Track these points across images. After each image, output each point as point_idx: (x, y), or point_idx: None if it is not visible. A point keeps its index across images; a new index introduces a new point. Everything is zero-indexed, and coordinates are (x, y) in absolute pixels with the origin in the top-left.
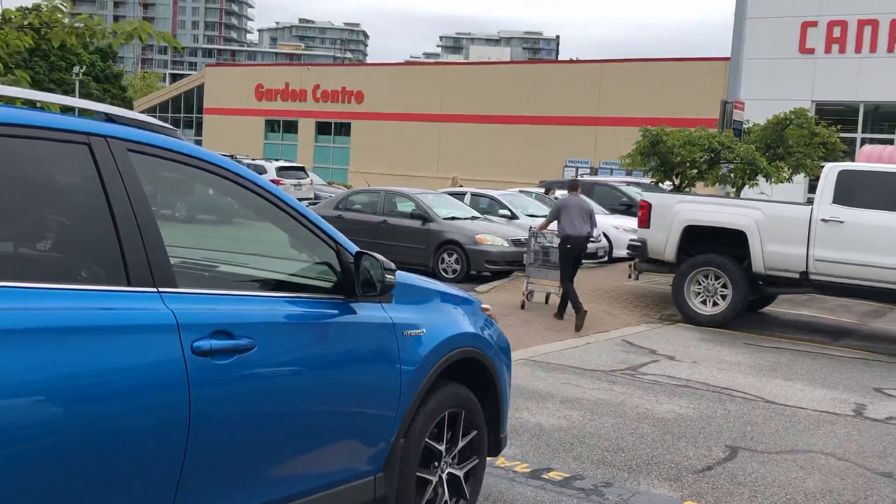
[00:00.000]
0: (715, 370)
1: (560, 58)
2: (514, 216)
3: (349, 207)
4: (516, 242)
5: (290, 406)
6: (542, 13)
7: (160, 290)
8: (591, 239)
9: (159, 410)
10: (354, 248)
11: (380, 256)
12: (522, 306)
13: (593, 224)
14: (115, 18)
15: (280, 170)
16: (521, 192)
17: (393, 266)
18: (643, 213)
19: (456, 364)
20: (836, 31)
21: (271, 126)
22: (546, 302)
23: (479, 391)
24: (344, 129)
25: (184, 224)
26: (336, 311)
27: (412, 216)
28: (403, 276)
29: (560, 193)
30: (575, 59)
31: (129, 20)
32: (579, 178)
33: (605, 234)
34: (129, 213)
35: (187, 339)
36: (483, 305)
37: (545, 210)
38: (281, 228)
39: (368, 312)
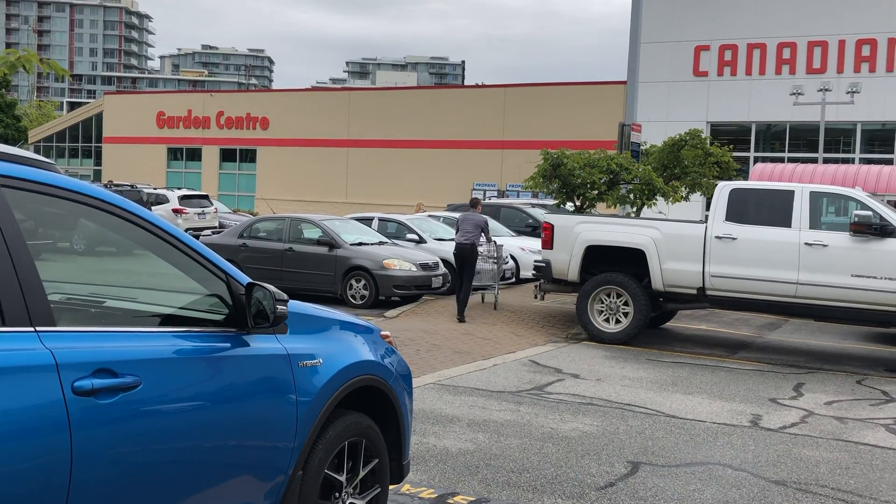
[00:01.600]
0: (618, 387)
1: (466, 82)
2: (422, 240)
3: (254, 235)
4: (424, 267)
5: (180, 443)
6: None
7: (38, 329)
8: (492, 255)
9: (38, 454)
10: (245, 279)
11: (271, 287)
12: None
13: (487, 236)
14: (8, 45)
15: (183, 198)
16: (429, 216)
17: (285, 297)
18: (546, 234)
19: (356, 393)
20: (728, 55)
21: (174, 154)
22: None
23: (380, 419)
24: (249, 156)
25: (79, 258)
26: (227, 345)
27: (319, 243)
28: (298, 306)
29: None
30: (480, 83)
31: (14, 49)
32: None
33: (511, 256)
34: (2, 250)
35: (67, 378)
36: (383, 332)
37: (454, 234)
38: (168, 261)
39: (261, 344)
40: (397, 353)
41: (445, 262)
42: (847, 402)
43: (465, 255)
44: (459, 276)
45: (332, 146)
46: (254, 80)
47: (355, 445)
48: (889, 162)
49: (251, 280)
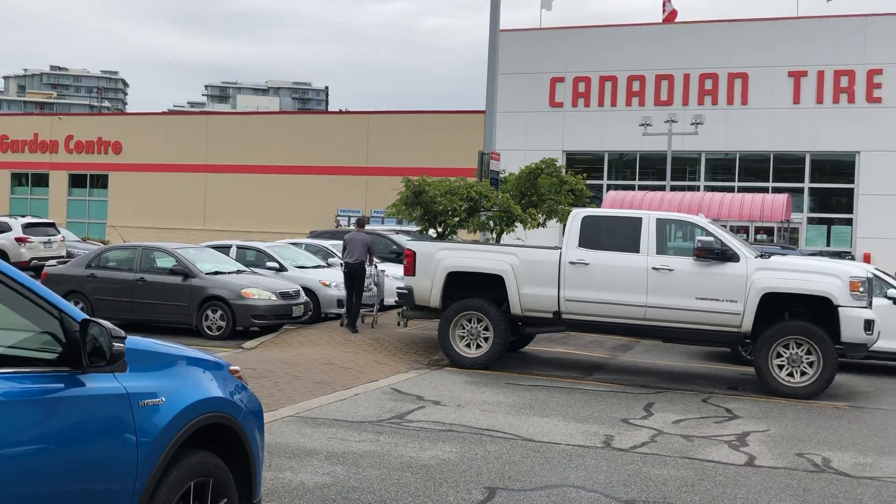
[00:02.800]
0: (478, 412)
1: (329, 108)
2: (282, 268)
3: (103, 265)
4: (285, 295)
5: (10, 490)
6: (311, 64)
7: None
8: (375, 269)
9: None
10: (81, 316)
11: (107, 323)
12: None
13: (371, 257)
14: None
15: (27, 226)
16: (291, 243)
17: (122, 333)
18: (408, 261)
19: (203, 430)
20: (582, 87)
21: (18, 180)
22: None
23: (229, 457)
24: (101, 182)
25: None
26: (60, 385)
27: (172, 272)
28: (139, 343)
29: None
30: (344, 109)
31: None
32: (352, 226)
33: (375, 283)
34: None
35: None
36: (232, 367)
37: (317, 261)
38: None
39: (98, 384)
40: (248, 389)
41: (307, 290)
42: (694, 421)
43: (356, 273)
44: (349, 294)
45: (190, 171)
46: (107, 103)
47: (202, 486)
48: (731, 190)
49: (86, 316)
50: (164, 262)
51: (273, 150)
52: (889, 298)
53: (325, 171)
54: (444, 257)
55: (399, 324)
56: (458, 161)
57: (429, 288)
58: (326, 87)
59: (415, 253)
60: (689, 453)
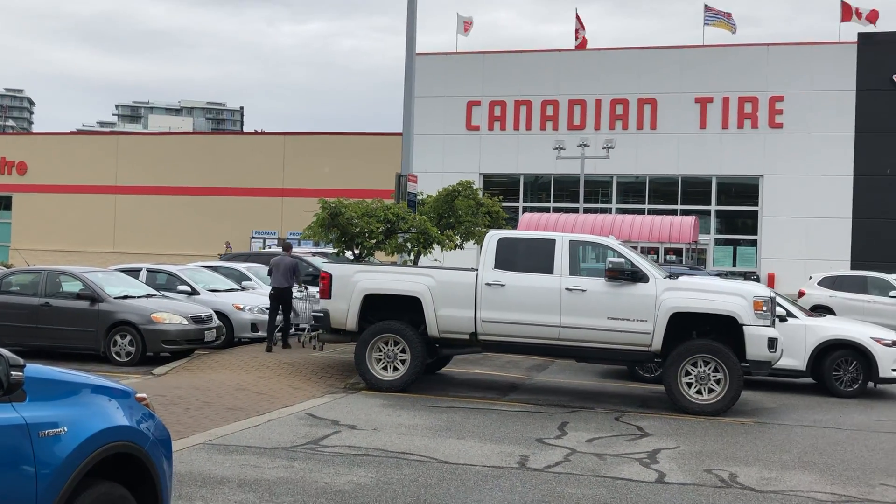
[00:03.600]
0: (394, 435)
1: (245, 129)
2: (194, 292)
3: (5, 290)
4: (197, 320)
5: None
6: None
7: None
8: (299, 290)
9: None
10: None
11: (5, 352)
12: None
13: (297, 279)
14: None
15: None
16: (203, 266)
17: (21, 361)
18: (324, 283)
19: (109, 460)
20: (497, 111)
21: None
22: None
23: (136, 487)
24: (4, 203)
25: None
26: None
27: (79, 297)
28: (40, 371)
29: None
30: (259, 130)
31: None
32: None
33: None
34: None
35: None
36: (139, 395)
37: (230, 284)
38: None
39: None
40: (155, 417)
41: (220, 314)
42: (606, 439)
43: (284, 297)
44: (272, 317)
45: (99, 192)
46: (11, 122)
47: None
48: (641, 212)
49: None
50: (71, 287)
51: (186, 171)
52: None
53: (239, 192)
54: (360, 280)
55: (315, 347)
56: (376, 183)
57: (345, 311)
58: (241, 108)
59: (331, 275)
60: (602, 472)
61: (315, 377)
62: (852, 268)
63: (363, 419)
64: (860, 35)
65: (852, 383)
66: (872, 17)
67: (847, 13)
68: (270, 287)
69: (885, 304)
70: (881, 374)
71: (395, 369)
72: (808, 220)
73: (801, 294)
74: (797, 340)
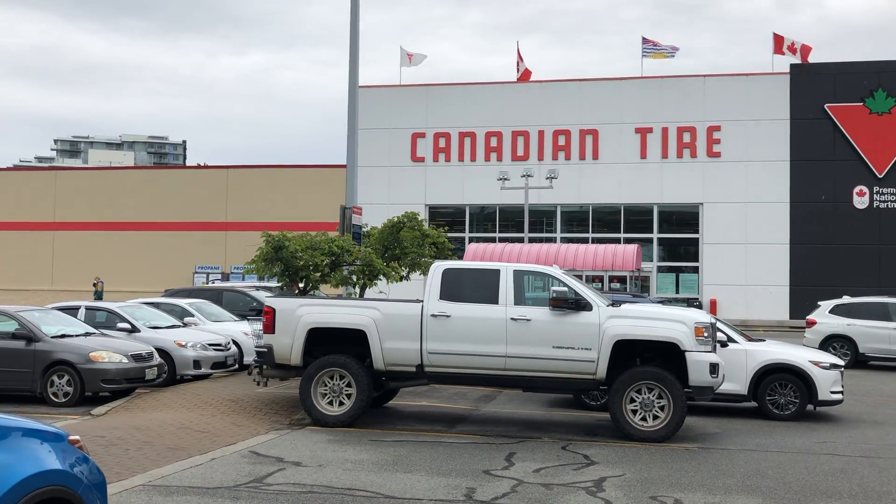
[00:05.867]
0: (340, 471)
1: (187, 162)
2: (135, 329)
3: None
4: (137, 358)
5: None
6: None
7: None
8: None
9: None
10: None
11: None
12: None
13: None
14: None
15: None
16: (144, 302)
17: None
18: (268, 318)
19: None
20: (442, 142)
21: None
22: None
23: None
24: None
25: None
26: None
27: (14, 336)
28: None
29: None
30: (202, 164)
31: None
32: (212, 282)
33: (234, 342)
34: None
35: None
36: (72, 437)
37: (172, 321)
38: None
39: None
40: (90, 460)
41: (162, 351)
42: (553, 469)
43: None
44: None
45: (36, 229)
46: None
47: None
48: (585, 240)
49: None
50: (6, 326)
51: (127, 206)
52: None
53: (182, 227)
54: (304, 314)
55: (258, 384)
56: (320, 215)
57: (289, 345)
58: (184, 142)
59: (274, 310)
60: (549, 502)
61: (259, 414)
62: (791, 293)
63: (308, 455)
64: (792, 66)
65: (791, 406)
66: (805, 52)
67: (779, 45)
68: None
69: None
70: (820, 397)
71: (341, 404)
72: (748, 246)
73: (812, 323)
74: (738, 365)
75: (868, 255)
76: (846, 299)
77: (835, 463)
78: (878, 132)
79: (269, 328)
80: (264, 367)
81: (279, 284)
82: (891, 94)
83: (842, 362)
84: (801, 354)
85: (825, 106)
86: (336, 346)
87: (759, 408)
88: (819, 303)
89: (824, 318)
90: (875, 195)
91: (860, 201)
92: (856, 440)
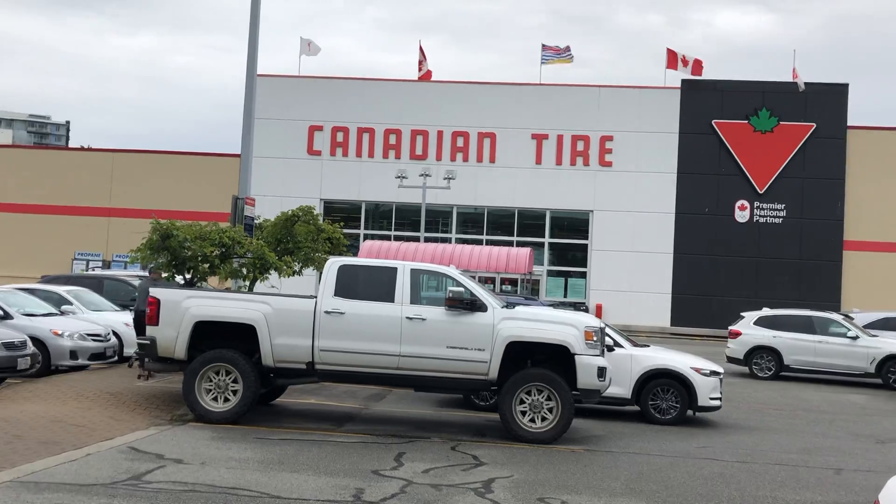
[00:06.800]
0: (223, 470)
1: (70, 144)
2: (7, 316)
3: None
4: (8, 346)
5: None
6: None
7: None
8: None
9: None
10: None
11: None
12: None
13: None
14: None
15: None
16: (19, 288)
17: None
18: (152, 309)
19: None
20: (340, 136)
21: None
22: None
23: None
24: None
25: None
26: None
27: None
28: None
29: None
30: (86, 146)
31: None
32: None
33: (114, 332)
34: None
35: None
36: None
37: (49, 308)
38: None
39: None
40: None
41: (36, 340)
42: (442, 469)
43: (143, 322)
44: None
45: None
46: None
47: None
48: (480, 242)
49: None
50: None
51: (5, 187)
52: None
53: (62, 210)
54: (191, 306)
55: (139, 377)
56: (211, 205)
57: (174, 338)
58: (67, 122)
59: (159, 301)
60: (438, 503)
61: (139, 408)
62: (673, 300)
63: (190, 453)
64: (683, 81)
65: (672, 411)
66: (697, 67)
67: (672, 60)
68: (135, 312)
69: (837, 343)
70: (700, 403)
71: (227, 400)
72: (634, 254)
73: (737, 334)
74: (623, 370)
75: (747, 266)
76: (766, 311)
77: (714, 467)
78: (761, 149)
79: (153, 320)
80: (146, 359)
81: (165, 275)
82: (774, 114)
83: (721, 370)
84: (683, 361)
85: (713, 122)
86: (223, 341)
87: (642, 412)
88: (742, 314)
89: (749, 329)
90: (755, 210)
91: (741, 215)
92: (733, 445)
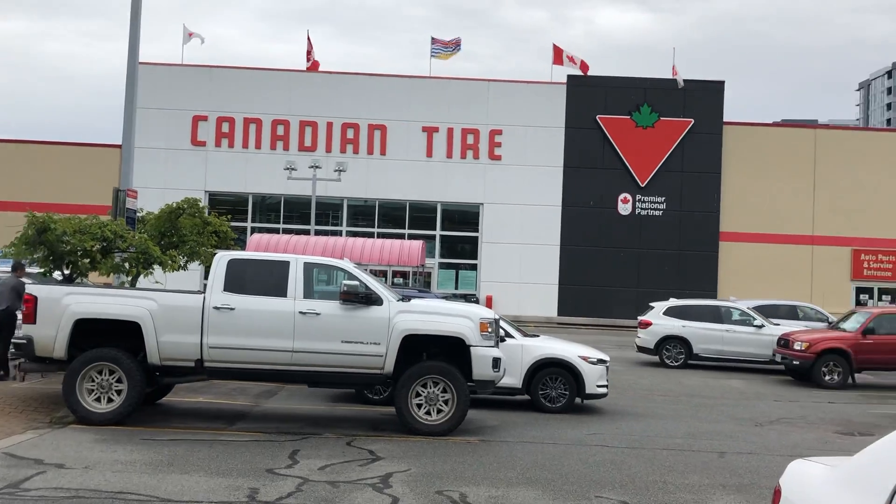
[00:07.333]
0: (109, 474)
1: None
2: None
3: None
4: None
5: None
6: None
7: None
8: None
9: None
10: None
11: None
12: None
13: (19, 301)
14: None
15: None
16: None
17: None
18: (28, 307)
19: None
20: (225, 127)
21: None
22: None
23: None
24: None
25: None
26: None
27: None
28: None
29: None
30: None
31: None
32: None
33: None
34: None
35: None
36: None
37: None
38: None
39: None
40: None
41: None
42: (339, 465)
43: (4, 322)
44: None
45: None
46: None
47: None
48: (371, 235)
49: None
50: None
51: None
52: None
53: None
54: (71, 303)
55: (15, 378)
56: (91, 198)
57: (52, 337)
58: None
59: (36, 298)
60: (336, 500)
61: (15, 411)
62: (560, 291)
63: (73, 457)
64: (569, 77)
65: (561, 399)
66: (584, 68)
67: (559, 56)
68: None
69: (744, 332)
70: (587, 391)
71: (110, 400)
72: (523, 246)
73: (647, 324)
74: (514, 360)
75: (629, 258)
76: (673, 301)
77: (605, 454)
78: (643, 144)
79: (30, 318)
80: (23, 360)
81: (41, 270)
82: (655, 110)
83: (608, 358)
84: (571, 350)
85: (597, 117)
86: (106, 339)
87: (532, 401)
88: (651, 304)
89: (659, 319)
90: (637, 203)
91: (624, 208)
92: (622, 432)
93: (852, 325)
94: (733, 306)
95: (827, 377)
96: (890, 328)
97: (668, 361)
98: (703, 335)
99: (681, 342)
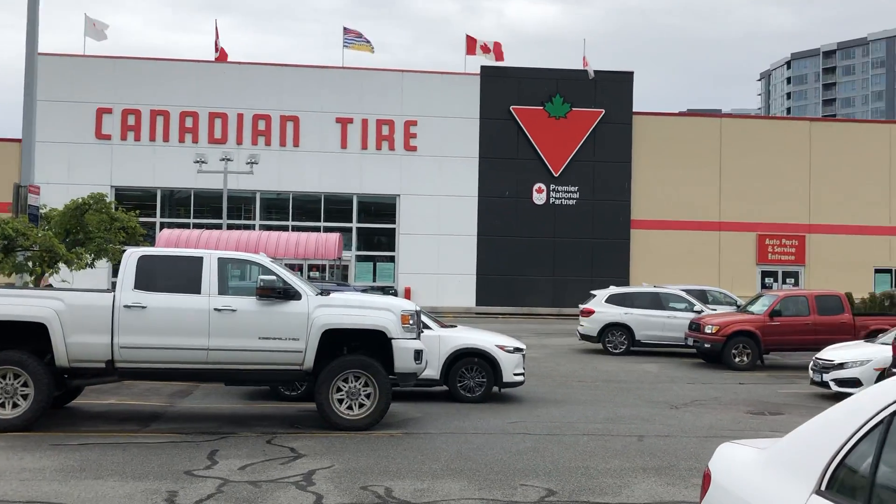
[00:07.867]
0: (16, 482)
1: None
2: None
3: None
4: None
5: None
6: None
7: None
8: None
9: None
10: None
11: None
12: None
13: None
14: None
15: None
16: None
17: None
18: None
19: None
20: (131, 119)
21: None
22: None
23: None
24: None
25: None
26: None
27: None
28: None
29: None
30: None
31: None
32: None
33: None
34: None
35: None
36: None
37: None
38: None
39: None
40: None
41: None
42: (260, 464)
43: None
44: None
45: None
46: None
47: None
48: (286, 228)
49: None
50: None
51: None
52: None
53: None
54: None
55: None
56: None
57: None
58: None
59: None
60: (258, 500)
61: None
62: (478, 281)
63: None
64: (483, 68)
65: (479, 389)
66: (498, 51)
67: (472, 47)
68: None
69: (684, 318)
70: (505, 379)
71: (16, 406)
72: (440, 237)
73: (590, 312)
74: (432, 351)
75: (544, 246)
76: (614, 289)
77: (527, 442)
78: (556, 135)
79: None
80: None
81: None
82: (567, 100)
83: (524, 346)
84: (488, 339)
85: (511, 108)
86: (9, 342)
87: (451, 391)
88: (592, 292)
89: (602, 307)
90: (551, 192)
91: (539, 197)
92: (542, 419)
93: (759, 307)
94: (673, 293)
95: (737, 359)
96: (795, 310)
97: (610, 349)
98: (645, 322)
99: (623, 329)
